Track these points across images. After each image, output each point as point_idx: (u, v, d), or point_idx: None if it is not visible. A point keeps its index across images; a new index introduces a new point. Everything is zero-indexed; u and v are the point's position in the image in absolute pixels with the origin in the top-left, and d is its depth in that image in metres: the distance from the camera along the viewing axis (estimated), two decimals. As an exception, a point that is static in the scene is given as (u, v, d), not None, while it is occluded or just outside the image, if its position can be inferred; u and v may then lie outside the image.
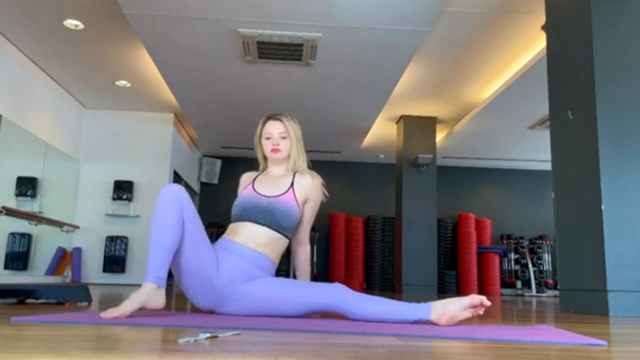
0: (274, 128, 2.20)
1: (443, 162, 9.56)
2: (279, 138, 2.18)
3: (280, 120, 2.21)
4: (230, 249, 1.99)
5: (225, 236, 2.08)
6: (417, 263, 7.45)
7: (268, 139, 2.20)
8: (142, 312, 1.83)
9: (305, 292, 1.89)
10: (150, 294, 1.75)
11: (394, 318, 1.76)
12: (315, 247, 9.72)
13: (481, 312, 1.75)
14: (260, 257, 2.01)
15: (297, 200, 2.12)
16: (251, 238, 2.02)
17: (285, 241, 2.12)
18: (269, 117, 2.23)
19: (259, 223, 2.04)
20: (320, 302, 1.85)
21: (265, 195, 2.10)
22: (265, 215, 2.05)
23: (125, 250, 7.64)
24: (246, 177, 2.28)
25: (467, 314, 1.73)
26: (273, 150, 2.18)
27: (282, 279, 2.00)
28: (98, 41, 5.66)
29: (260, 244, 2.02)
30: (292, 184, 2.16)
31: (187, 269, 1.88)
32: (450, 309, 1.72)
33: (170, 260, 1.81)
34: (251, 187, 2.16)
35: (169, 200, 1.83)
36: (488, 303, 1.73)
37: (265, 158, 2.28)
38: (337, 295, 1.83)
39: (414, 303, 1.78)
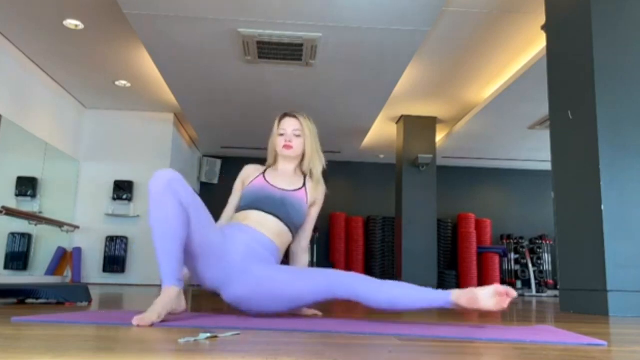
0: (288, 125, 2.19)
1: (443, 162, 9.55)
2: (292, 135, 2.18)
3: (296, 117, 2.21)
4: (242, 229, 1.97)
5: (233, 221, 2.05)
6: (417, 263, 7.45)
7: (282, 135, 2.19)
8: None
9: (322, 276, 1.83)
10: (177, 297, 1.68)
11: (413, 302, 1.71)
12: (315, 247, 9.73)
13: (505, 305, 1.64)
14: (269, 243, 1.99)
15: (307, 200, 2.15)
16: (261, 224, 2.00)
17: (290, 236, 2.10)
18: (285, 115, 2.23)
19: (269, 213, 2.03)
20: (336, 289, 1.78)
21: (279, 188, 2.10)
22: (279, 207, 2.04)
23: (125, 250, 7.63)
24: (251, 170, 2.23)
25: (493, 302, 1.64)
26: (285, 147, 2.17)
27: (293, 267, 2.01)
28: (98, 41, 5.66)
29: (270, 231, 2.00)
30: (304, 184, 2.18)
31: (198, 252, 1.80)
32: (475, 291, 1.67)
33: (183, 256, 1.71)
34: (262, 178, 2.15)
35: (162, 194, 1.67)
36: (514, 294, 1.64)
37: (275, 154, 2.26)
38: (355, 282, 1.78)
39: (431, 289, 1.73)
